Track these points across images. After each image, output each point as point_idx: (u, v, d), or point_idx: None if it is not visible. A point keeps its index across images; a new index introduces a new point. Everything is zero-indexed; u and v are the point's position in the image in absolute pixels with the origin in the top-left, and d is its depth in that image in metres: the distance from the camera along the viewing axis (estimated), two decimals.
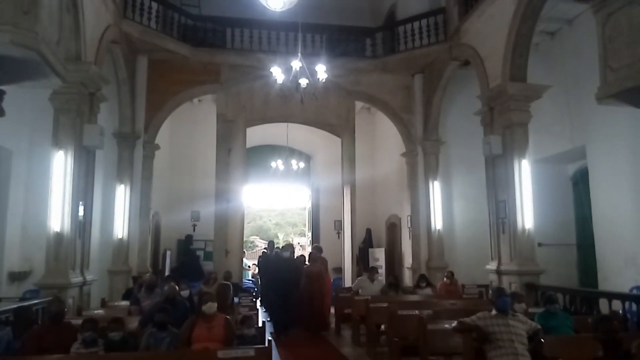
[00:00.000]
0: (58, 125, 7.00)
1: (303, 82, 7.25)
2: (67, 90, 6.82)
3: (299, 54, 7.30)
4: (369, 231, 14.32)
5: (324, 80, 7.21)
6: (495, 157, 8.42)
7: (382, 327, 7.29)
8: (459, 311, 6.70)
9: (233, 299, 7.24)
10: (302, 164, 14.55)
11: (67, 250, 6.83)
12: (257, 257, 14.01)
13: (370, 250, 13.87)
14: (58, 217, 6.80)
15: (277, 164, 14.02)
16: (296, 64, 7.09)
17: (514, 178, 7.98)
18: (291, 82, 7.26)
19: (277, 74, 7.23)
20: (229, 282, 7.72)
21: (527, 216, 7.85)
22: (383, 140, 14.54)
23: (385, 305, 7.21)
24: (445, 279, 9.24)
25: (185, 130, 13.87)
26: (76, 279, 7.02)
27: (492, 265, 8.44)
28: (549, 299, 5.35)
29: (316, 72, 7.13)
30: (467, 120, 10.86)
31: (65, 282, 6.72)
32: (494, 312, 4.30)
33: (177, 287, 5.89)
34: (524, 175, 7.94)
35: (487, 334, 4.17)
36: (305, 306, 8.52)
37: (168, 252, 12.71)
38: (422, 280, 9.27)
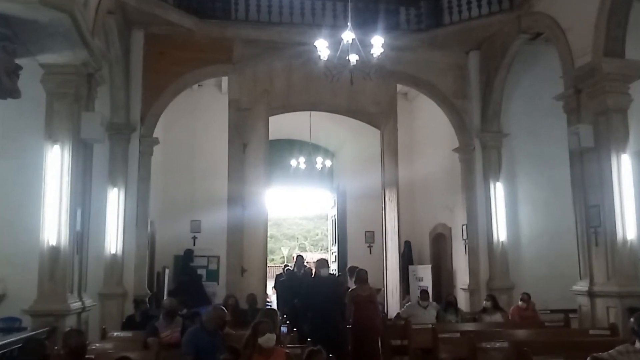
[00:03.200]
0: (52, 113, 6.80)
1: (353, 58, 7.08)
2: (63, 69, 6.60)
3: (349, 24, 7.11)
4: (408, 244, 14.15)
5: (379, 56, 7.05)
6: (584, 151, 8.26)
7: None
8: (553, 343, 6.55)
9: (281, 329, 7.06)
10: (328, 162, 14.40)
11: (64, 268, 6.66)
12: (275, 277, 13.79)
13: (410, 267, 13.69)
14: (54, 227, 6.63)
15: (299, 162, 13.86)
16: (347, 35, 6.92)
17: (610, 177, 7.81)
18: (339, 58, 7.09)
19: (322, 48, 7.06)
20: (274, 308, 7.54)
21: (628, 224, 7.67)
22: (425, 133, 14.40)
23: (457, 335, 7.06)
24: (520, 302, 9.07)
25: (182, 121, 13.63)
26: (75, 304, 6.85)
27: (582, 286, 8.26)
28: None
29: (370, 44, 6.98)
30: (537, 106, 10.85)
31: (64, 308, 6.56)
32: (638, 344, 4.11)
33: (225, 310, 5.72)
34: (624, 173, 7.77)
35: None
36: (355, 343, 8.15)
37: (167, 271, 12.52)
38: (490, 302, 9.09)
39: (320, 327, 7.77)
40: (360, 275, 8.40)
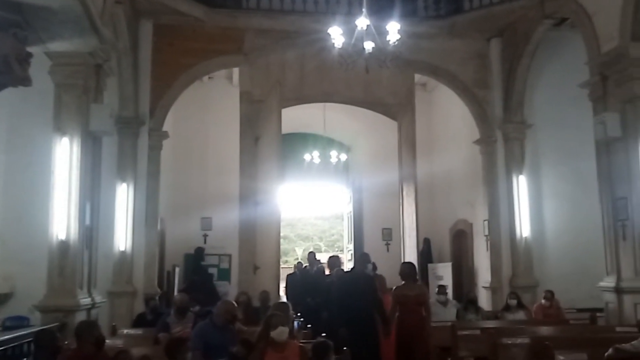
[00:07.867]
0: (60, 104, 7.00)
1: (368, 45, 7.19)
2: (71, 60, 6.77)
3: (364, 10, 7.22)
4: (427, 242, 14.19)
5: (396, 43, 7.16)
6: (611, 141, 8.28)
7: None
8: (577, 339, 6.60)
9: (294, 323, 7.18)
10: (343, 156, 14.52)
11: (74, 263, 6.85)
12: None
13: (429, 265, 13.75)
14: (63, 221, 6.81)
15: (313, 156, 14.00)
16: (362, 22, 7.04)
17: (638, 168, 7.83)
18: (353, 46, 7.20)
19: (336, 36, 7.18)
20: (286, 302, 7.68)
21: None
22: (444, 124, 14.46)
23: (477, 332, 7.13)
24: (543, 300, 9.13)
25: (192, 115, 13.79)
26: (85, 299, 7.04)
27: (609, 282, 8.29)
28: None
29: (386, 31, 7.09)
30: (562, 95, 10.86)
31: (74, 304, 6.76)
32: None
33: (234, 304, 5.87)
34: None
35: None
36: (399, 352, 7.35)
37: (177, 269, 12.72)
38: (513, 299, 9.14)
39: (360, 332, 7.00)
40: (405, 271, 7.47)
